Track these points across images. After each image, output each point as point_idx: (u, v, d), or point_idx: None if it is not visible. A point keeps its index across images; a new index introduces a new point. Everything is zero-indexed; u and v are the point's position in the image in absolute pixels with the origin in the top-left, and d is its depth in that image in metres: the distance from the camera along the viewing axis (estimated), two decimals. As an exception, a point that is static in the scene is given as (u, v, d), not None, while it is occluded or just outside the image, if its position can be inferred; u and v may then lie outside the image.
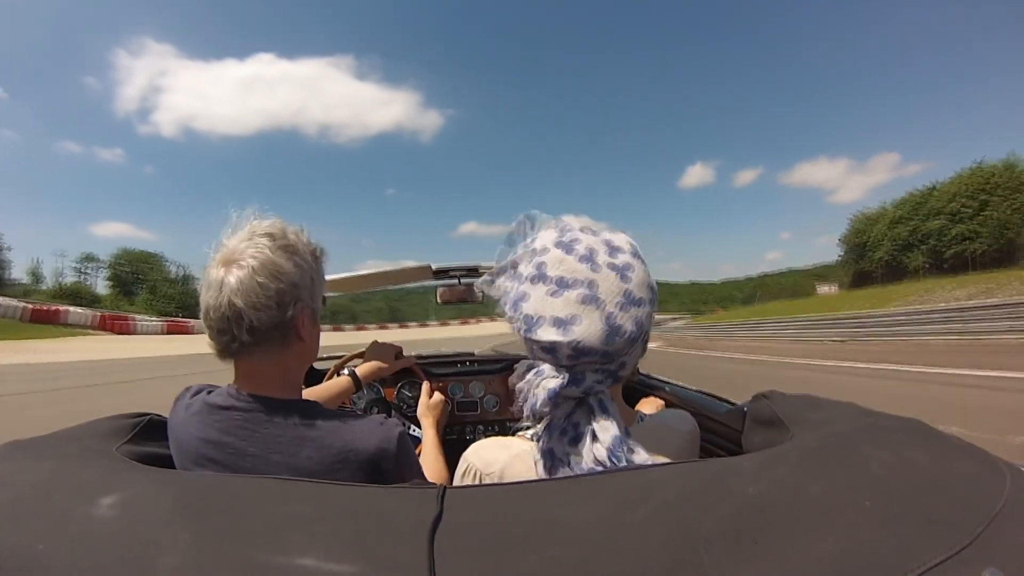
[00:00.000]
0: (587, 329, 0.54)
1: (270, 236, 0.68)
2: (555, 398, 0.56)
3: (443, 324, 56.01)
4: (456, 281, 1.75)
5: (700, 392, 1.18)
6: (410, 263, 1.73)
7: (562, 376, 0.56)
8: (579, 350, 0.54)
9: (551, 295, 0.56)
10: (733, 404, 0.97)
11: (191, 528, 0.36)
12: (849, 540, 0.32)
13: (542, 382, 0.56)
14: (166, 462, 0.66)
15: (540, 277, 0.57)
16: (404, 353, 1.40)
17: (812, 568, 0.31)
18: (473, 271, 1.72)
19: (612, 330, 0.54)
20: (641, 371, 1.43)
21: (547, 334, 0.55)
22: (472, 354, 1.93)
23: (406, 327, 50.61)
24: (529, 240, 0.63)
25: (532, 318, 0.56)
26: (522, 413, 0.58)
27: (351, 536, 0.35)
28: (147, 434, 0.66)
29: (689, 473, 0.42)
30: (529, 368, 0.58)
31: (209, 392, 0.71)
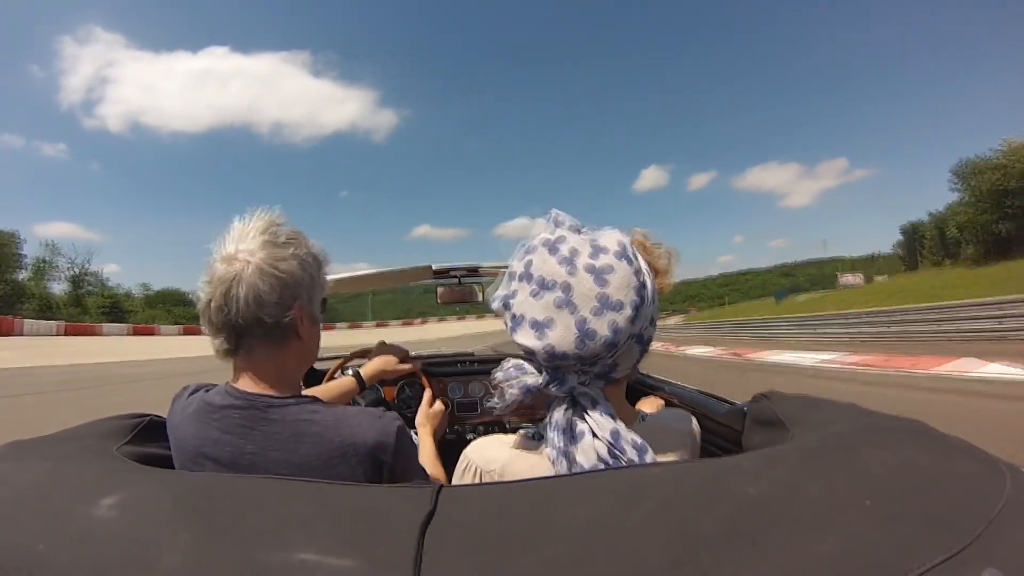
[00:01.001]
0: (560, 334, 0.55)
1: (271, 235, 0.70)
2: (528, 393, 0.58)
3: (380, 324, 49.40)
4: (456, 281, 1.75)
5: (700, 392, 1.18)
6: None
7: (542, 376, 0.58)
8: (553, 354, 0.56)
9: (532, 296, 0.57)
10: (733, 404, 0.96)
11: (191, 528, 0.36)
12: (849, 540, 0.32)
13: (522, 377, 0.59)
14: (166, 462, 0.66)
15: (526, 276, 0.59)
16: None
17: (812, 568, 0.31)
18: (473, 271, 1.72)
19: (584, 335, 0.54)
20: (641, 371, 1.43)
21: (525, 338, 0.57)
22: (472, 354, 1.94)
23: (332, 328, 38.46)
24: (530, 237, 0.64)
25: (516, 317, 0.58)
26: (492, 410, 0.60)
27: (347, 534, 0.35)
28: (147, 434, 0.66)
29: (688, 473, 0.42)
30: (516, 366, 0.61)
31: (207, 391, 0.71)
